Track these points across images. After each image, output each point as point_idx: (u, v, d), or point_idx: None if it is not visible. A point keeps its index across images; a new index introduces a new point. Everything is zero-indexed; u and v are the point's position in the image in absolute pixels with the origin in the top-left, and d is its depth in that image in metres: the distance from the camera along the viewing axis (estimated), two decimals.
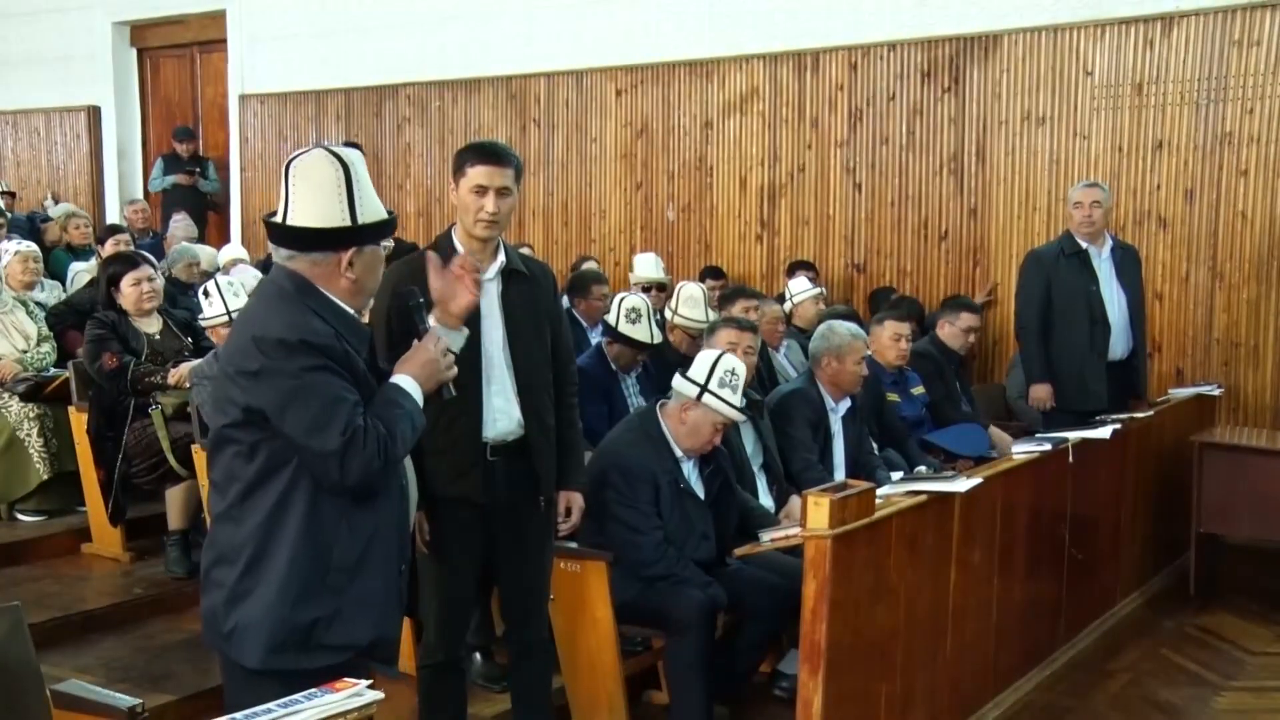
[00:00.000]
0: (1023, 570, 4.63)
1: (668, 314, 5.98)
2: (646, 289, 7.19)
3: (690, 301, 5.83)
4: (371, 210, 2.62)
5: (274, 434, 2.51)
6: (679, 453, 4.24)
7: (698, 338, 5.55)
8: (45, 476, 5.91)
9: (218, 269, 7.87)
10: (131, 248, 7.33)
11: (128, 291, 5.56)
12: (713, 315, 5.72)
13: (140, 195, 11.60)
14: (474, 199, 3.43)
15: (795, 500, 4.52)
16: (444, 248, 3.51)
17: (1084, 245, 6.12)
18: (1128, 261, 6.28)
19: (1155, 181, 7.31)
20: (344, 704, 2.11)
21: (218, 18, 11.23)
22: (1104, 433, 5.16)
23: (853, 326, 5.28)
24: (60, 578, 5.40)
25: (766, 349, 6.00)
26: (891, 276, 8.17)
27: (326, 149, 2.63)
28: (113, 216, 10.88)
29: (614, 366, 5.42)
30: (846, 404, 5.20)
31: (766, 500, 4.76)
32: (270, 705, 2.09)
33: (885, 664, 3.77)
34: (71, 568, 5.57)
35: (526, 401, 3.53)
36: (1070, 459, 4.88)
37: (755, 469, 4.81)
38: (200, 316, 5.66)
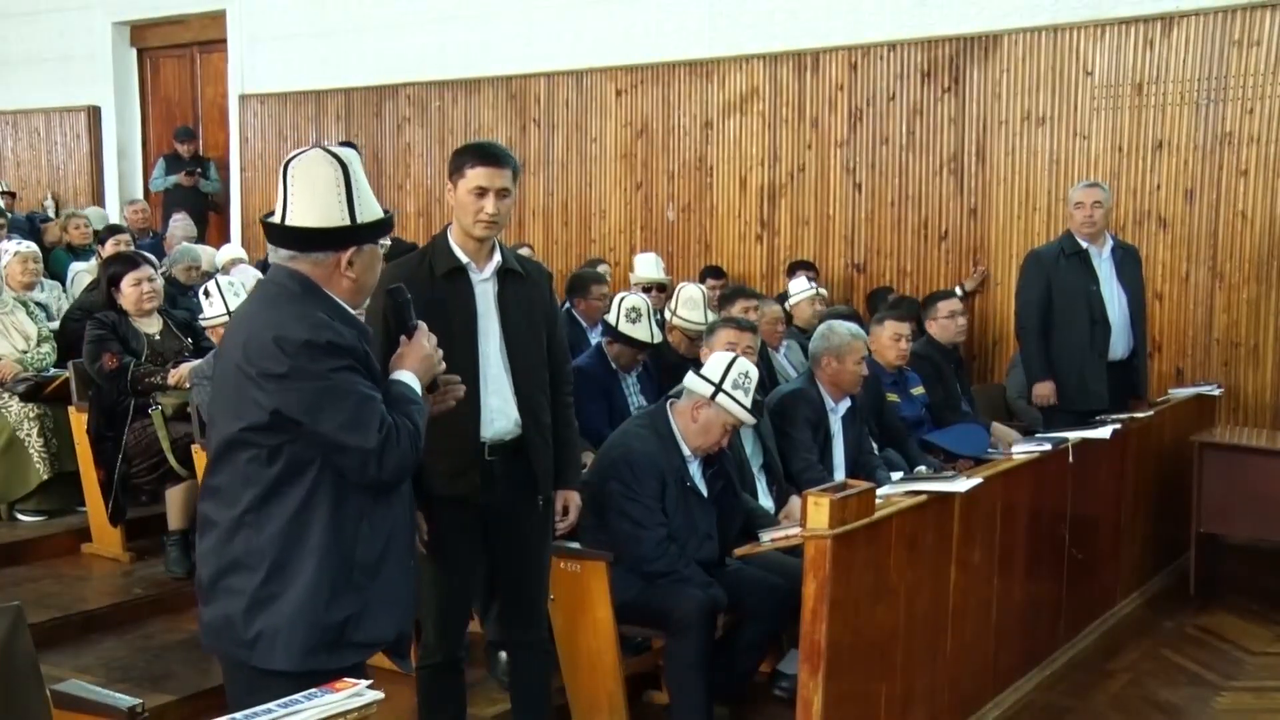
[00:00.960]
0: (1023, 570, 4.62)
1: (667, 314, 5.98)
2: (647, 289, 7.19)
3: (689, 303, 5.83)
4: (370, 209, 2.62)
5: (296, 437, 2.51)
6: (687, 451, 4.25)
7: (696, 339, 5.56)
8: (45, 476, 5.91)
9: (217, 269, 7.87)
10: (131, 248, 7.33)
11: (128, 292, 5.56)
12: (712, 316, 5.72)
13: (140, 195, 11.60)
14: (473, 200, 3.43)
15: (795, 500, 4.53)
16: (440, 248, 3.52)
17: (1084, 245, 6.12)
18: (1128, 261, 6.28)
19: (1155, 181, 7.31)
20: (344, 704, 2.11)
21: (218, 18, 11.23)
22: (1104, 433, 5.16)
23: (853, 326, 5.28)
24: (60, 578, 5.40)
25: (766, 349, 6.01)
26: (891, 276, 8.17)
27: (324, 148, 2.63)
28: (113, 216, 10.88)
29: (614, 366, 5.43)
30: (846, 404, 5.20)
31: (766, 500, 4.76)
32: (270, 705, 2.09)
33: (885, 664, 3.77)
34: (71, 568, 5.57)
35: (523, 401, 3.54)
36: (1070, 459, 4.88)
37: (755, 469, 4.81)
38: (200, 316, 5.65)
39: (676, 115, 8.97)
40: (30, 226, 9.68)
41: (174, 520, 5.42)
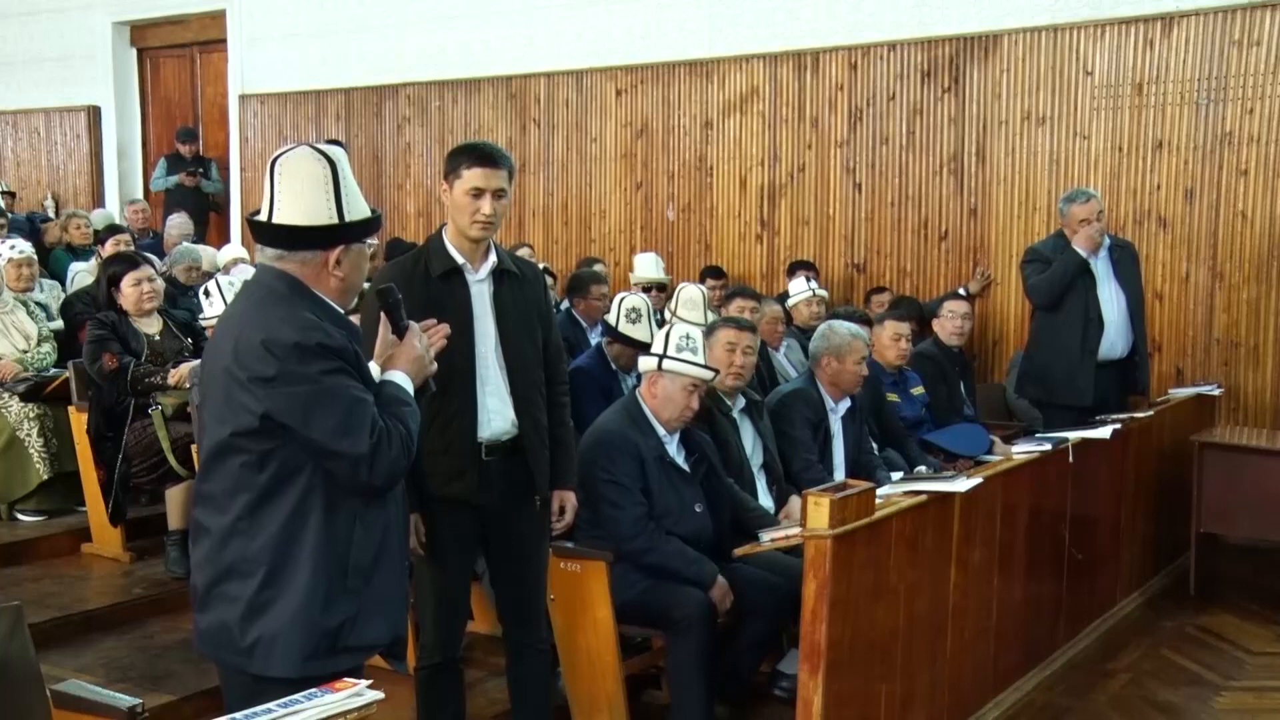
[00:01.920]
0: (1023, 570, 4.62)
1: (667, 315, 5.98)
2: (646, 289, 7.19)
3: (689, 304, 5.83)
4: (358, 208, 2.60)
5: (286, 441, 2.48)
6: (662, 430, 4.30)
7: None
8: (45, 476, 5.92)
9: (218, 269, 7.87)
10: (131, 248, 7.33)
11: (128, 292, 5.56)
12: (712, 316, 5.72)
13: (140, 195, 11.60)
14: (470, 201, 3.43)
15: (795, 500, 4.53)
16: (436, 249, 3.52)
17: (1085, 255, 6.11)
18: (1125, 260, 6.27)
19: (1155, 181, 7.31)
20: (344, 704, 2.11)
21: (218, 18, 11.23)
22: (1104, 433, 5.16)
23: (853, 326, 5.27)
24: (60, 578, 5.40)
25: (766, 349, 6.01)
26: (891, 276, 8.17)
27: (312, 146, 2.61)
28: (113, 217, 10.87)
29: (614, 366, 5.43)
30: (846, 404, 5.20)
31: (766, 500, 4.76)
32: (270, 705, 2.09)
33: (885, 664, 3.77)
34: (71, 568, 5.57)
35: (520, 401, 3.54)
36: (1070, 459, 4.88)
37: (755, 469, 4.81)
38: (200, 316, 5.65)
39: (676, 115, 8.97)
40: (30, 227, 9.67)
41: (174, 520, 5.41)
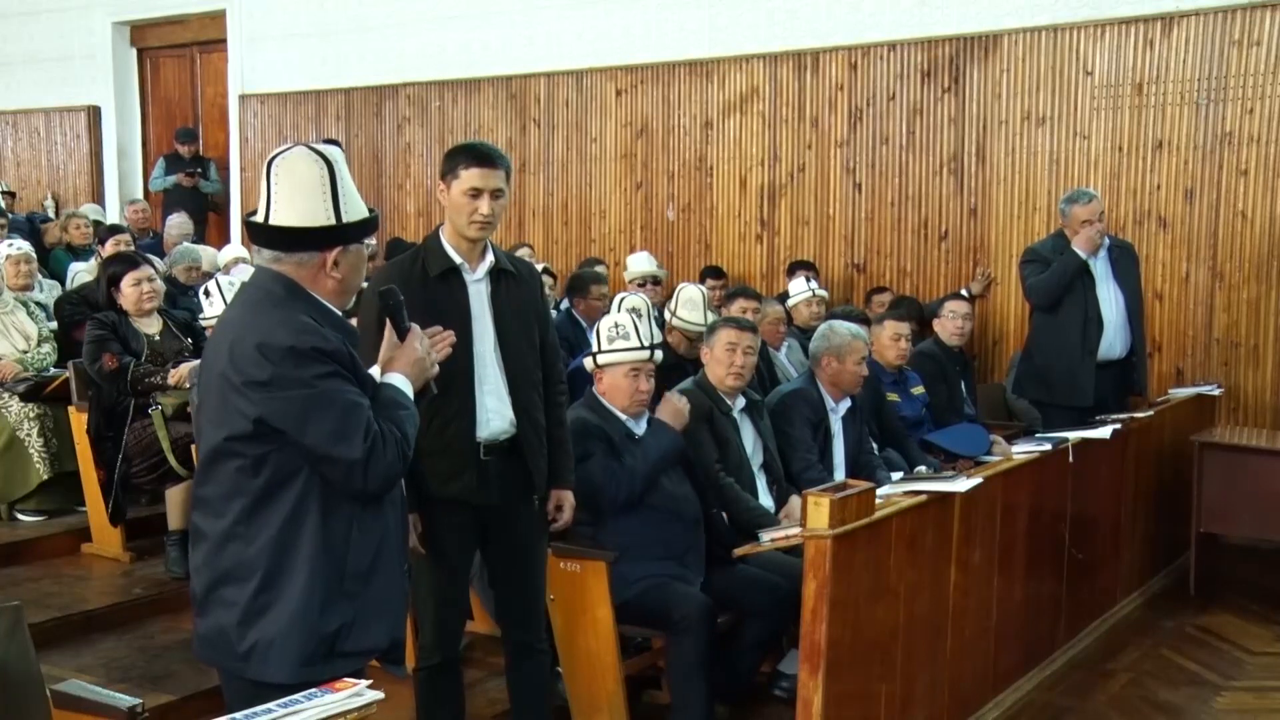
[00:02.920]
0: (1023, 570, 4.62)
1: (666, 315, 5.98)
2: (641, 284, 7.18)
3: (689, 304, 5.83)
4: (355, 208, 2.57)
5: (281, 445, 2.47)
6: (624, 417, 4.32)
7: (696, 340, 5.56)
8: (45, 476, 5.92)
9: (218, 269, 7.87)
10: (131, 248, 7.33)
11: (128, 292, 5.56)
12: (712, 317, 5.72)
13: (140, 195, 11.60)
14: (467, 201, 3.44)
15: (795, 500, 4.52)
16: (433, 249, 3.52)
17: (1085, 256, 6.11)
18: (1125, 259, 6.28)
19: (1155, 181, 7.31)
20: (344, 704, 2.11)
21: (218, 18, 11.23)
22: (1104, 433, 5.16)
23: (854, 327, 5.27)
24: (60, 578, 5.40)
25: (766, 349, 6.00)
26: (891, 276, 8.18)
27: (308, 146, 2.58)
28: (113, 216, 10.89)
29: None
30: (847, 404, 5.20)
31: (766, 500, 4.76)
32: (270, 705, 2.09)
33: (885, 664, 3.77)
34: (71, 568, 5.57)
35: (518, 401, 3.54)
36: (1070, 459, 4.88)
37: (755, 469, 4.81)
38: (200, 316, 5.65)
39: (676, 115, 8.97)
40: (30, 227, 9.68)
41: (174, 520, 5.41)
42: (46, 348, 6.25)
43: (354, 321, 3.04)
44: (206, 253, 8.38)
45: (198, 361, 5.30)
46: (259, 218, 2.56)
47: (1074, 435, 5.00)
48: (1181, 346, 7.29)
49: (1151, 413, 5.94)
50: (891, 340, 5.84)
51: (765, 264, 8.67)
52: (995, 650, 4.47)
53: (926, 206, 8.05)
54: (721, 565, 4.34)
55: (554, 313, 6.17)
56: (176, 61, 11.97)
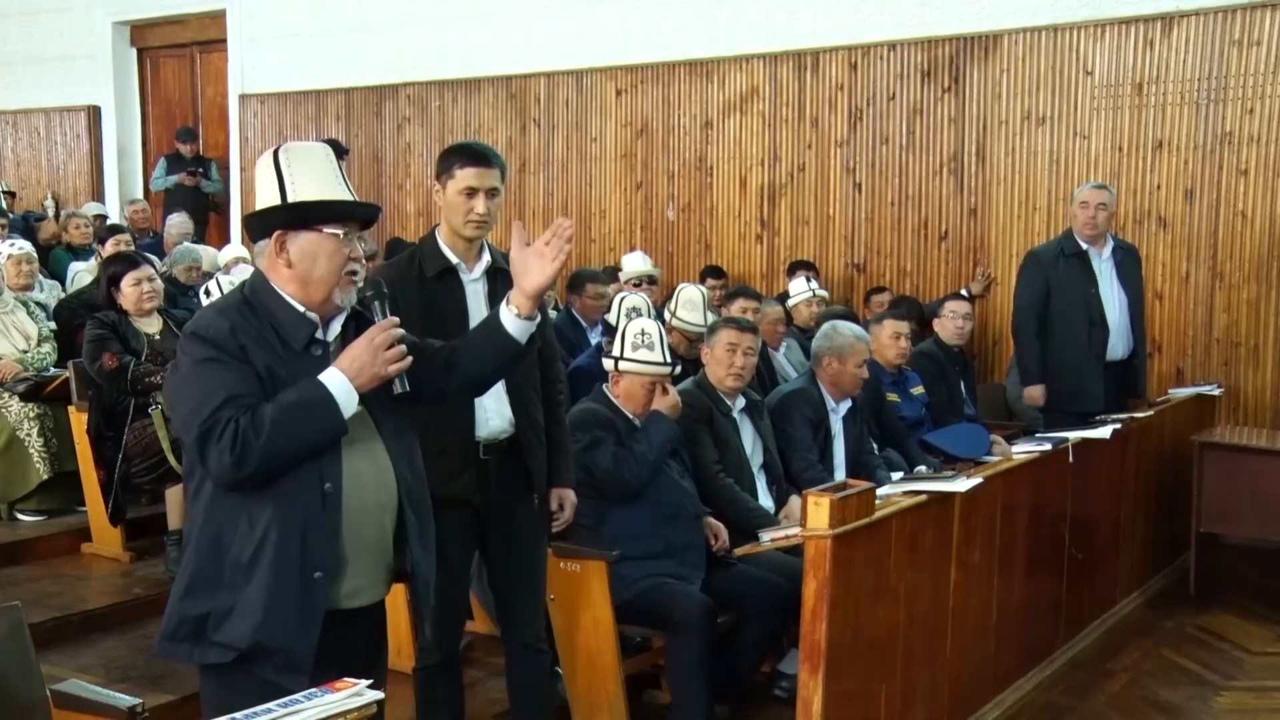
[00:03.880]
0: (1023, 570, 4.62)
1: (666, 316, 5.98)
2: (638, 284, 7.18)
3: (689, 304, 5.83)
4: (307, 189, 2.48)
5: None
6: (630, 415, 4.34)
7: (696, 340, 5.55)
8: (45, 476, 5.92)
9: (218, 269, 7.87)
10: (131, 248, 7.33)
11: (128, 291, 5.56)
12: (712, 317, 5.72)
13: (140, 195, 11.60)
14: (463, 201, 3.44)
15: (795, 500, 4.53)
16: (430, 249, 3.52)
17: (1084, 246, 6.11)
18: (1128, 262, 6.27)
19: (1155, 181, 7.31)
20: (344, 704, 2.11)
21: (218, 18, 11.23)
22: (1104, 433, 5.16)
23: (856, 328, 5.27)
24: (60, 578, 5.40)
25: (766, 349, 6.00)
26: (891, 276, 8.18)
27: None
28: (113, 216, 10.89)
29: None
30: (847, 404, 5.20)
31: (766, 500, 4.76)
32: (270, 705, 2.09)
33: (885, 664, 3.77)
34: (71, 568, 5.57)
35: (516, 400, 3.54)
36: (1070, 459, 4.88)
37: (755, 469, 4.81)
38: None
39: (676, 115, 8.97)
40: (25, 225, 9.68)
41: (174, 520, 5.41)
42: (46, 347, 6.25)
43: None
44: (207, 253, 8.38)
45: None
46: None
47: (1074, 435, 5.00)
48: (1181, 346, 7.29)
49: (1151, 413, 5.94)
50: (891, 339, 5.84)
51: (765, 264, 8.67)
52: (995, 650, 4.47)
53: (926, 206, 8.05)
54: (721, 565, 4.34)
55: (553, 313, 6.18)
56: (176, 61, 11.97)
